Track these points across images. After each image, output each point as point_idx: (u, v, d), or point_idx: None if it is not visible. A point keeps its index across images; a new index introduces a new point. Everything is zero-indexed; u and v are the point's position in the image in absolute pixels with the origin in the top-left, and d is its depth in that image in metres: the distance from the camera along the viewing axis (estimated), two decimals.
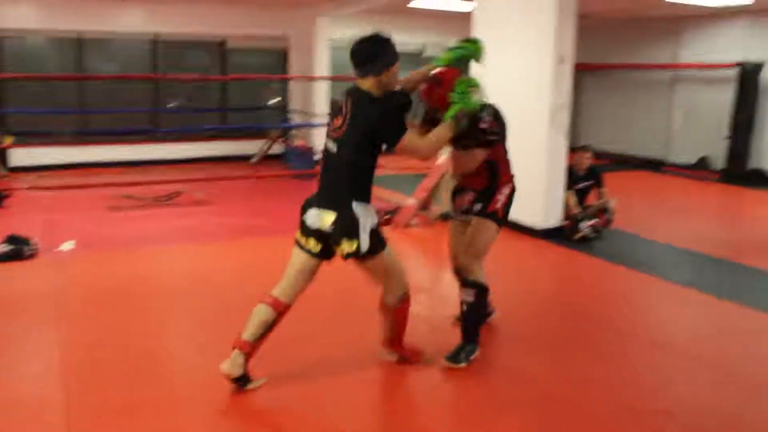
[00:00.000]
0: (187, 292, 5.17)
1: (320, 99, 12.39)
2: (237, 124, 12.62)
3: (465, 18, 8.11)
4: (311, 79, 11.93)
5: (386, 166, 9.05)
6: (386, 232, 7.06)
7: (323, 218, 3.48)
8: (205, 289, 5.22)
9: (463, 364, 3.88)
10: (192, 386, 3.64)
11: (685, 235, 7.28)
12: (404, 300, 3.71)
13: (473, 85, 3.70)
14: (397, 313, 3.74)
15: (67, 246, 6.25)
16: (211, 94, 12.67)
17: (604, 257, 6.32)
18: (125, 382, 3.63)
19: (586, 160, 7.37)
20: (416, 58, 13.98)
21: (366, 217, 3.49)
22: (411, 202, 7.48)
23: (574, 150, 7.47)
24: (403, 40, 13.63)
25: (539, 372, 3.90)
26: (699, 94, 12.47)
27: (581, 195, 7.37)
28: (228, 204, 8.46)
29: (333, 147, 3.51)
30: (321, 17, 12.07)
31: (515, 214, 7.13)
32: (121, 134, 11.50)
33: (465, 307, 3.95)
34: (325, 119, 12.12)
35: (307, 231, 3.56)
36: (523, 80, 7.01)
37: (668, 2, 10.29)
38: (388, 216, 7.40)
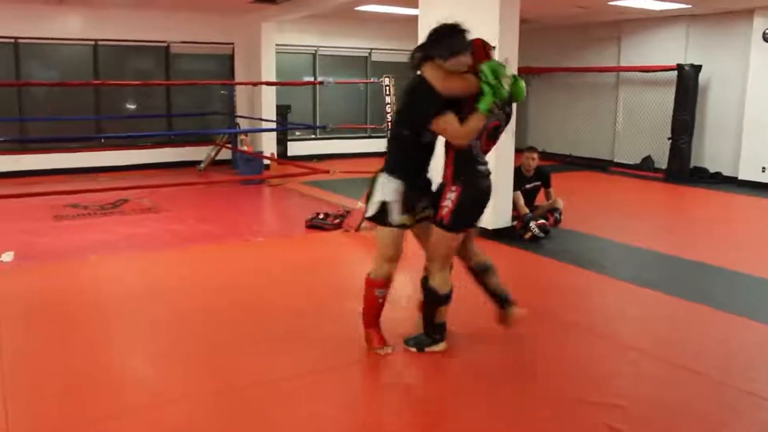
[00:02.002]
0: (135, 301, 5.04)
1: (267, 104, 12.30)
2: (183, 130, 12.44)
3: (411, 22, 8.14)
4: (257, 84, 11.83)
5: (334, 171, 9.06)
6: (336, 235, 7.10)
7: None
8: (154, 298, 5.10)
9: (412, 348, 4.05)
10: (142, 398, 3.54)
11: (631, 233, 7.42)
12: (373, 280, 3.96)
13: (501, 72, 3.66)
14: (365, 283, 3.99)
15: (6, 257, 6.05)
16: (156, 100, 12.47)
17: (553, 256, 6.39)
18: (69, 395, 3.51)
19: (533, 161, 7.46)
20: (363, 62, 14.00)
21: (383, 188, 3.75)
22: (360, 205, 7.46)
23: (521, 151, 7.55)
24: (350, 45, 13.78)
25: (488, 366, 3.91)
26: (642, 95, 12.76)
27: (529, 196, 7.45)
28: (176, 211, 8.31)
29: None
30: (266, 23, 11.99)
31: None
32: (62, 141, 11.21)
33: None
34: (273, 124, 12.07)
35: None
36: None
37: (611, 6, 10.51)
38: (337, 220, 7.38)
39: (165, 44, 12.16)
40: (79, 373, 3.78)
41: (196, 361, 3.98)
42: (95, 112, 11.69)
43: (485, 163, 3.96)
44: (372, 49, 14.05)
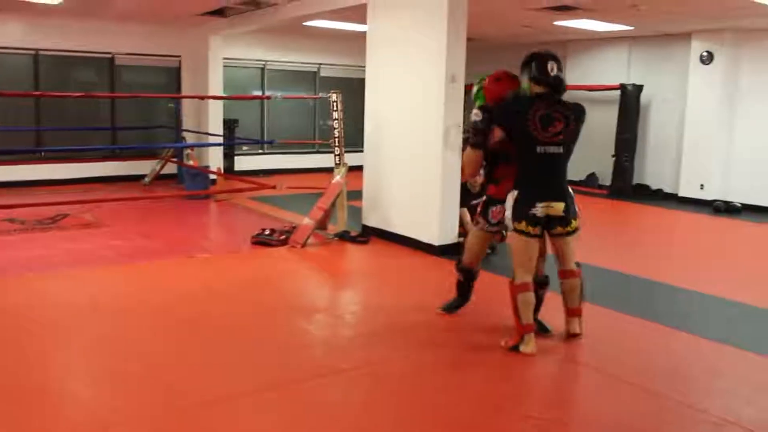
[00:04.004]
0: (75, 319, 4.87)
1: (214, 118, 12.16)
2: (128, 143, 12.19)
3: (359, 38, 8.15)
4: (204, 98, 11.68)
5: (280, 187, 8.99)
6: (283, 251, 7.02)
7: (555, 207, 4.25)
8: (94, 316, 4.94)
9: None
10: (83, 420, 3.41)
11: (577, 249, 7.50)
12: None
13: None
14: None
15: None
16: (100, 112, 12.20)
17: (499, 272, 6.39)
18: (3, 418, 3.37)
19: (479, 178, 7.50)
20: (312, 77, 13.98)
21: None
22: (307, 221, 7.41)
23: None
24: (299, 60, 13.75)
25: (433, 384, 3.89)
26: (587, 114, 12.96)
27: (476, 211, 7.48)
28: (119, 226, 8.12)
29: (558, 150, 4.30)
30: (214, 36, 11.88)
31: (411, 230, 7.22)
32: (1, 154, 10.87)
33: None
34: (220, 138, 11.91)
35: (535, 221, 4.25)
36: (417, 99, 7.09)
37: (556, 26, 10.71)
38: (284, 236, 7.30)
39: (109, 55, 11.93)
40: (14, 395, 3.62)
41: (139, 380, 3.86)
42: (35, 124, 11.38)
43: None
44: (321, 64, 14.05)
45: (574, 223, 4.37)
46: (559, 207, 4.25)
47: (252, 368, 4.05)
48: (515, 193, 4.30)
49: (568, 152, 4.35)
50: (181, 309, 5.16)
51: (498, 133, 4.33)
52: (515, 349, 4.28)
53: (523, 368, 4.19)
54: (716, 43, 10.82)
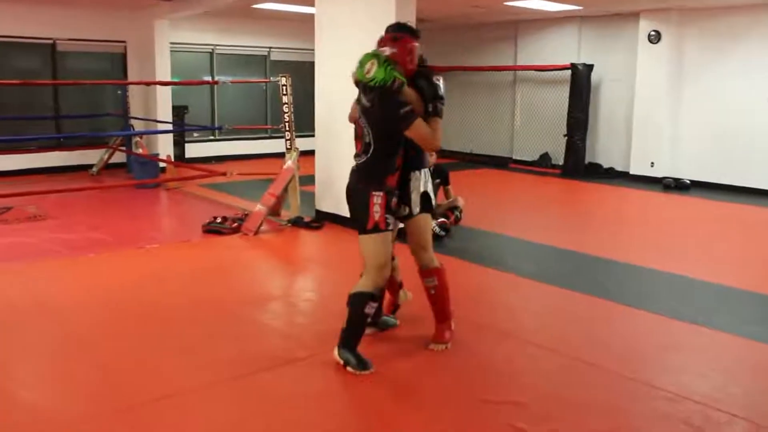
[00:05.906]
0: (18, 316, 4.68)
1: (162, 105, 11.88)
2: (73, 132, 11.82)
3: (310, 20, 8.01)
4: (150, 84, 11.38)
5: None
6: (235, 239, 6.89)
7: None
8: (40, 313, 4.76)
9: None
10: (23, 423, 3.26)
11: (531, 229, 7.55)
12: (441, 267, 4.25)
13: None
14: (440, 276, 4.22)
15: None
16: (44, 101, 11.79)
17: (454, 254, 6.40)
18: None
19: (431, 158, 7.45)
20: (262, 61, 13.76)
21: (423, 180, 4.32)
22: (259, 208, 7.29)
23: None
24: (248, 44, 13.51)
25: (391, 371, 3.84)
26: (538, 94, 13.09)
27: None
28: (65, 218, 7.88)
29: None
30: (159, 21, 11.58)
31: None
32: None
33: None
34: (169, 125, 11.65)
35: None
36: None
37: (507, 6, 10.69)
38: (236, 224, 7.17)
39: (51, 41, 11.54)
40: None
41: (85, 378, 3.74)
42: None
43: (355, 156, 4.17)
44: (271, 47, 13.84)
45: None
46: None
47: (204, 361, 3.95)
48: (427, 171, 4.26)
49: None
50: (130, 302, 5.01)
51: None
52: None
53: (482, 351, 4.17)
54: (663, 23, 10.94)
